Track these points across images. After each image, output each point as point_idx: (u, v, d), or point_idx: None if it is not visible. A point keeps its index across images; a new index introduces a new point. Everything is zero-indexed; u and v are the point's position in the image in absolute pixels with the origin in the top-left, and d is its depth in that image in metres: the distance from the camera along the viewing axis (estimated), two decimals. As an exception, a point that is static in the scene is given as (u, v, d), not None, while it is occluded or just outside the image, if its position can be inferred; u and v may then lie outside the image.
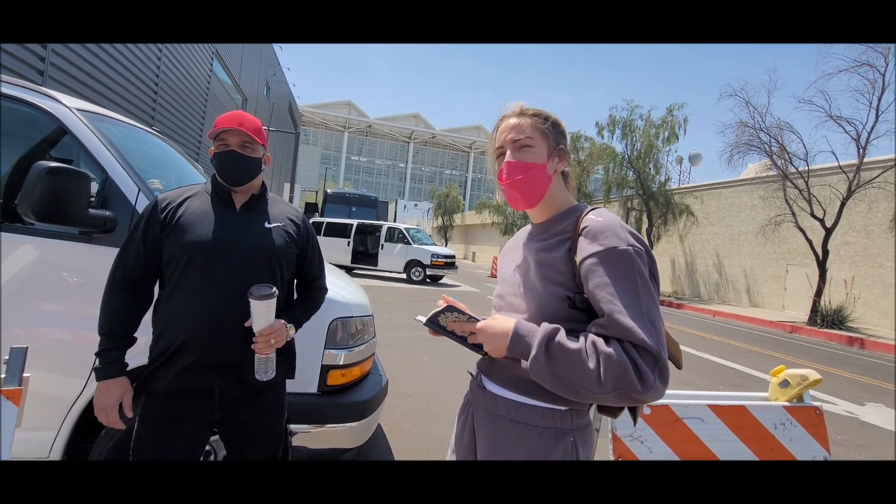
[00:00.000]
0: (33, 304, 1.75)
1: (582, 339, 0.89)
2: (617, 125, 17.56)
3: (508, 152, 1.06)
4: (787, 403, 1.73)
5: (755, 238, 14.48)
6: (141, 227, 1.34)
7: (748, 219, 15.69)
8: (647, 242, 0.97)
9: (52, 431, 1.73)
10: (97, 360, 1.31)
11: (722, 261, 16.80)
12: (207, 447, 1.82)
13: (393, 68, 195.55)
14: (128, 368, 1.35)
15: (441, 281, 15.74)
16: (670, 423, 1.63)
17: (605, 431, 1.62)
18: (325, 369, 1.99)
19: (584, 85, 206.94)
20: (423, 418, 3.54)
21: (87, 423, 1.73)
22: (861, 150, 10.80)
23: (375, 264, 14.91)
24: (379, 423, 2.78)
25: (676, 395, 1.71)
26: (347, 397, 2.04)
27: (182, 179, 2.57)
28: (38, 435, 1.72)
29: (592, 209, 1.03)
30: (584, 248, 0.94)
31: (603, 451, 1.61)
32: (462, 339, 1.06)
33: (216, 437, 1.56)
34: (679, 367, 1.16)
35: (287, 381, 1.54)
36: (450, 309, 1.03)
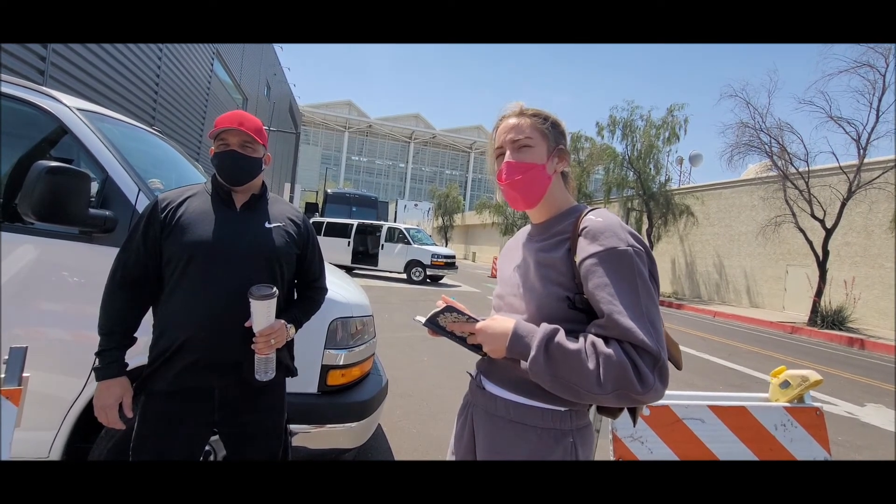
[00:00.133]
0: (33, 303, 1.75)
1: (581, 339, 0.89)
2: (617, 125, 17.56)
3: (508, 152, 1.06)
4: (787, 404, 1.73)
5: (755, 238, 14.48)
6: (141, 227, 1.34)
7: (748, 219, 15.69)
8: (646, 243, 0.97)
9: (52, 431, 1.73)
10: (97, 360, 1.31)
11: (722, 261, 16.79)
12: (207, 447, 1.82)
13: (393, 68, 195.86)
14: (128, 368, 1.35)
15: (441, 281, 15.74)
16: (671, 423, 1.62)
17: (605, 432, 1.62)
18: (325, 369, 1.98)
19: (584, 85, 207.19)
20: (423, 418, 3.53)
21: (86, 423, 1.73)
22: (861, 151, 10.80)
23: (376, 264, 14.91)
24: (379, 424, 2.78)
25: (677, 396, 1.71)
26: (347, 397, 2.04)
27: (182, 179, 2.57)
28: (38, 435, 1.72)
29: (592, 209, 1.02)
30: (584, 248, 0.94)
31: (603, 452, 1.61)
32: (461, 340, 1.05)
33: (216, 437, 1.56)
34: (679, 367, 1.16)
35: (287, 380, 1.54)
36: (449, 309, 1.03)
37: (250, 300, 1.26)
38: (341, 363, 2.03)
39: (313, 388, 1.96)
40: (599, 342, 0.86)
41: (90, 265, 1.75)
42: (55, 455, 1.74)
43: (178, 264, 1.31)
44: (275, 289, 1.29)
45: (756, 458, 1.64)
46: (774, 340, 9.37)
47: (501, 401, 1.03)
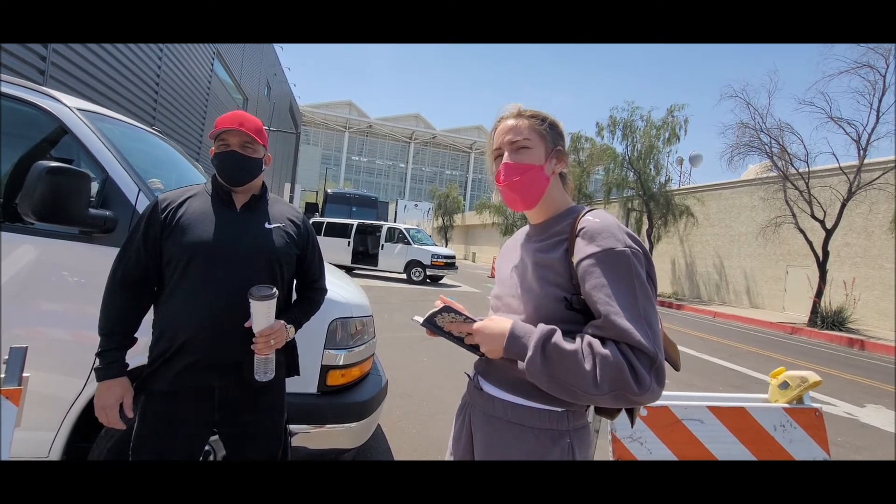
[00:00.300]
0: (33, 303, 1.75)
1: (578, 340, 0.89)
2: (617, 126, 17.56)
3: (506, 154, 1.06)
4: (786, 405, 1.73)
5: (755, 239, 14.48)
6: (141, 228, 1.34)
7: (748, 220, 15.69)
8: (644, 244, 0.97)
9: (52, 431, 1.73)
10: (97, 360, 1.31)
11: (722, 262, 16.79)
12: (207, 447, 1.82)
13: (393, 68, 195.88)
14: (128, 369, 1.35)
15: (441, 281, 15.74)
16: (670, 424, 1.63)
17: (604, 433, 1.62)
18: (325, 369, 1.99)
19: (584, 85, 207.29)
20: (422, 419, 3.53)
21: (86, 423, 1.73)
22: (861, 152, 10.80)
23: (375, 264, 14.91)
24: (379, 424, 2.78)
25: (676, 397, 1.71)
26: (347, 398, 2.04)
27: (182, 179, 2.57)
28: (38, 434, 1.72)
29: (590, 210, 1.02)
30: (582, 249, 0.94)
31: (603, 453, 1.61)
32: (459, 340, 1.05)
33: (216, 437, 1.56)
34: (677, 368, 1.16)
35: (287, 381, 1.54)
36: (447, 309, 1.03)
37: (250, 301, 1.26)
38: (341, 363, 2.03)
39: (313, 389, 1.96)
40: (596, 343, 0.86)
41: (90, 265, 1.75)
42: (55, 455, 1.74)
43: (179, 265, 1.31)
44: (275, 289, 1.29)
45: (755, 459, 1.64)
46: (774, 341, 9.37)
47: (499, 401, 1.03)
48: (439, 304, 1.04)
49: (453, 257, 15.23)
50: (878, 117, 10.49)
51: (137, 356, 1.42)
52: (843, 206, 11.19)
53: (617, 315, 0.86)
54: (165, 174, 2.41)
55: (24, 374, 1.09)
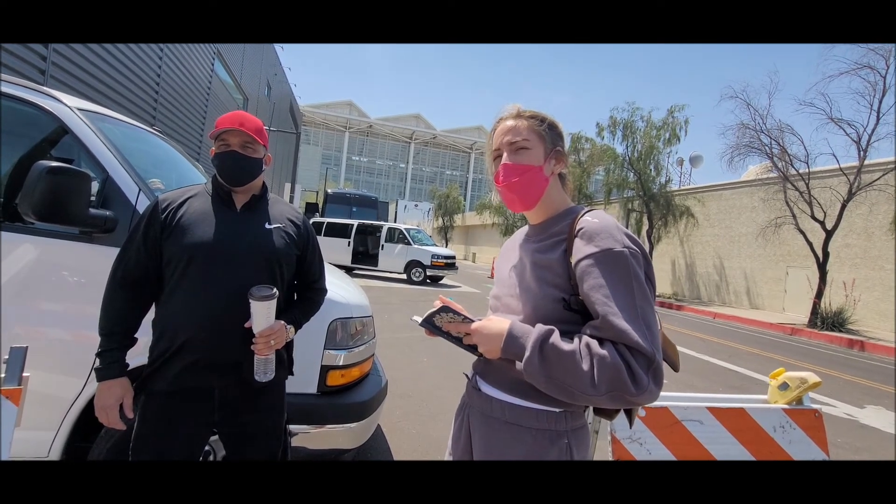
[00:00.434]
0: (33, 303, 1.75)
1: (576, 340, 0.89)
2: (618, 126, 17.57)
3: (505, 155, 1.06)
4: (786, 406, 1.73)
5: (755, 240, 14.48)
6: (141, 228, 1.34)
7: (748, 220, 15.69)
8: (643, 245, 0.97)
9: (52, 431, 1.74)
10: (98, 360, 1.31)
11: (722, 262, 16.79)
12: (207, 447, 1.82)
13: (394, 68, 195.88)
14: (128, 369, 1.35)
15: (441, 281, 15.74)
16: (669, 425, 1.63)
17: (604, 433, 1.62)
18: (325, 370, 1.99)
19: (584, 85, 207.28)
20: (422, 419, 3.54)
21: (86, 423, 1.73)
22: (862, 153, 10.81)
23: (376, 265, 14.91)
24: (378, 424, 2.78)
25: (675, 398, 1.71)
26: (347, 398, 2.04)
27: (183, 179, 2.57)
28: (38, 434, 1.72)
29: (588, 211, 1.03)
30: (580, 249, 0.94)
31: (602, 453, 1.61)
32: (457, 340, 1.05)
33: (216, 437, 1.56)
34: (676, 369, 1.16)
35: (287, 381, 1.54)
36: (445, 309, 1.03)
37: (250, 301, 1.26)
38: (341, 364, 2.03)
39: (313, 389, 1.96)
40: (594, 343, 0.86)
41: (90, 265, 1.75)
42: (55, 455, 1.74)
43: (179, 265, 1.31)
44: (275, 290, 1.29)
45: (754, 460, 1.64)
46: (774, 342, 9.37)
47: (497, 402, 1.03)
48: (438, 304, 1.04)
49: (453, 258, 15.23)
50: (878, 118, 10.51)
51: (137, 356, 1.42)
52: (844, 207, 11.19)
53: (615, 316, 0.86)
54: (166, 174, 2.41)
55: (25, 374, 1.09)
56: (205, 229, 1.33)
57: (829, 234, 11.47)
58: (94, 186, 1.74)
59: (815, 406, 1.74)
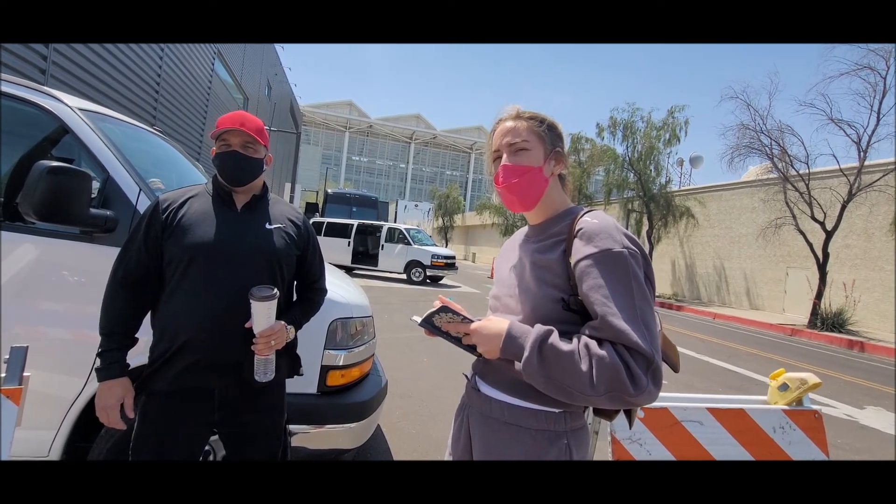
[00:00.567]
0: (34, 303, 1.75)
1: (575, 340, 0.89)
2: (618, 127, 17.57)
3: (505, 156, 1.06)
4: (786, 407, 1.73)
5: (755, 240, 14.48)
6: (142, 228, 1.34)
7: (749, 221, 15.69)
8: (642, 245, 0.97)
9: (52, 431, 1.74)
10: (98, 360, 1.31)
11: (722, 263, 16.79)
12: (207, 447, 1.82)
13: (394, 68, 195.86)
14: (128, 368, 1.35)
15: (441, 282, 15.74)
16: (669, 426, 1.63)
17: (603, 434, 1.62)
18: (325, 370, 1.99)
19: (584, 85, 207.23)
20: (422, 419, 3.54)
21: (86, 423, 1.73)
22: (862, 154, 10.80)
23: (376, 265, 14.91)
24: (378, 424, 2.78)
25: (675, 398, 1.71)
26: (347, 398, 2.04)
27: (183, 179, 2.57)
28: (38, 434, 1.72)
29: (588, 211, 1.03)
30: (579, 249, 0.95)
31: (602, 454, 1.61)
32: (456, 340, 1.05)
33: (216, 437, 1.56)
34: (676, 370, 1.16)
35: (287, 381, 1.54)
36: (444, 309, 1.03)
37: (251, 301, 1.26)
38: (341, 364, 2.03)
39: (313, 389, 1.96)
40: (593, 344, 0.86)
41: (91, 265, 1.75)
42: (55, 454, 1.75)
43: (180, 265, 1.31)
44: (275, 290, 1.29)
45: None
46: (774, 342, 9.36)
47: (496, 402, 1.03)
48: (437, 304, 1.04)
49: (453, 258, 15.23)
50: (878, 119, 10.51)
51: (138, 356, 1.42)
52: (844, 207, 11.19)
53: (614, 316, 0.86)
54: (166, 174, 2.41)
55: (25, 374, 1.09)
56: (205, 229, 1.33)
57: (829, 235, 11.47)
58: (95, 186, 1.74)
59: (815, 407, 1.74)
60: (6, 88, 1.82)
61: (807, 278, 13.09)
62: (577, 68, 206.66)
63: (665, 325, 1.04)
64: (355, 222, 15.15)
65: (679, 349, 1.18)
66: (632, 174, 17.53)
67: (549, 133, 1.07)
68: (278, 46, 24.54)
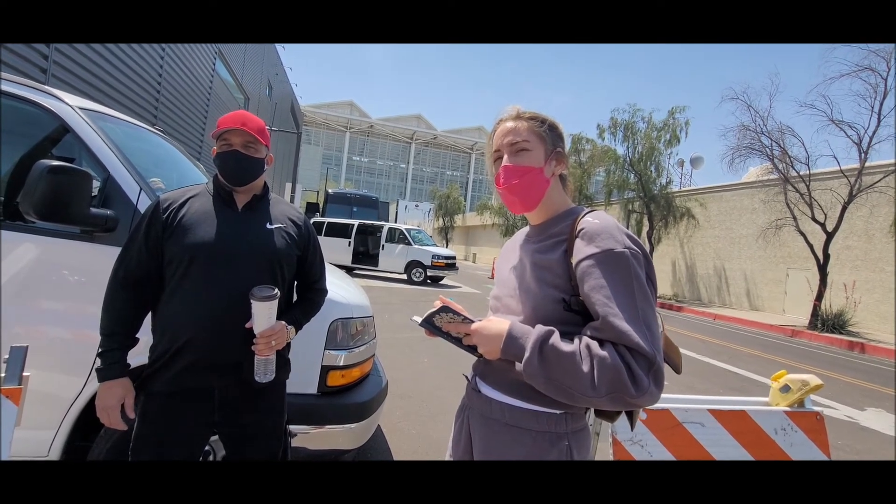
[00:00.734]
0: (34, 302, 1.75)
1: (576, 341, 0.89)
2: (618, 127, 17.57)
3: (505, 156, 1.06)
4: (787, 408, 1.73)
5: (756, 241, 14.47)
6: (143, 228, 1.34)
7: (749, 222, 15.68)
8: (644, 245, 0.96)
9: (52, 430, 1.73)
10: (99, 360, 1.31)
11: (723, 264, 16.79)
12: (207, 447, 1.82)
13: (395, 68, 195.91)
14: (129, 368, 1.35)
15: (442, 282, 15.74)
16: (671, 427, 1.62)
17: (605, 435, 1.62)
18: (325, 370, 1.98)
19: (585, 85, 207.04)
20: (422, 420, 3.53)
21: (86, 422, 1.73)
22: (863, 155, 10.79)
23: (376, 265, 14.91)
24: (379, 425, 2.78)
25: (676, 400, 1.71)
26: (347, 398, 2.04)
27: (184, 179, 2.57)
28: (38, 434, 1.72)
29: (589, 211, 1.02)
30: (581, 250, 0.94)
31: (603, 455, 1.61)
32: (457, 341, 1.05)
33: (216, 437, 1.56)
34: (678, 371, 1.16)
35: (287, 381, 1.54)
36: (445, 310, 1.03)
37: (252, 301, 1.26)
38: (341, 364, 2.03)
39: (313, 389, 1.96)
40: (594, 344, 0.86)
41: (91, 264, 1.75)
42: (55, 454, 1.74)
43: (180, 265, 1.31)
44: (276, 290, 1.29)
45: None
46: (775, 344, 9.36)
47: (496, 404, 1.03)
48: (438, 305, 1.04)
49: (454, 258, 15.23)
50: (879, 120, 10.50)
51: (138, 356, 1.42)
52: (844, 208, 11.18)
53: (615, 317, 0.85)
54: (167, 174, 2.41)
55: (25, 374, 1.09)
56: (206, 229, 1.33)
57: (829, 236, 11.47)
58: (96, 186, 1.74)
59: (816, 408, 1.74)
60: (7, 87, 1.82)
61: (807, 279, 13.09)
62: (578, 68, 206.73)
63: (665, 325, 1.04)
64: (356, 222, 15.15)
65: (680, 350, 1.18)
66: (632, 175, 17.53)
67: (549, 133, 1.07)
68: (279, 46, 24.57)
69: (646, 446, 1.60)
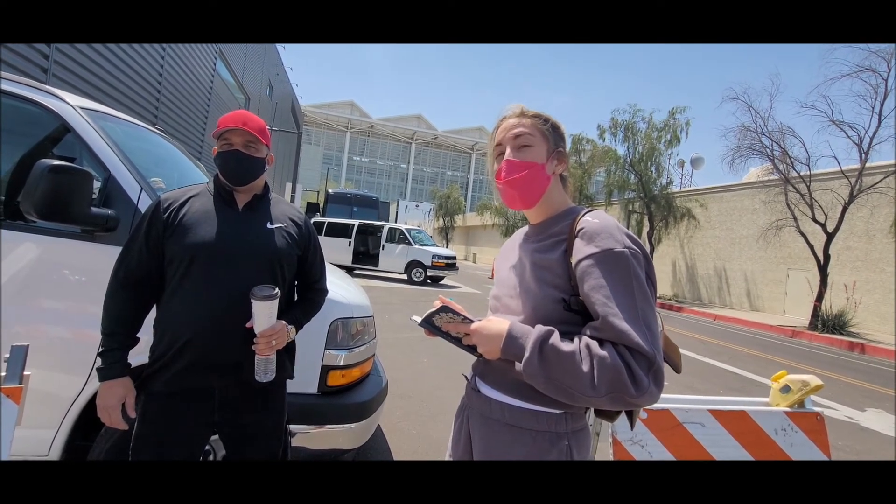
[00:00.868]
0: (34, 301, 1.75)
1: (576, 341, 0.89)
2: (619, 128, 17.58)
3: (508, 150, 1.05)
4: (788, 409, 1.72)
5: (756, 242, 14.47)
6: (143, 227, 1.34)
7: (749, 223, 15.68)
8: (644, 245, 0.96)
9: (52, 430, 1.73)
10: (100, 360, 1.31)
11: (723, 264, 16.78)
12: (207, 447, 1.82)
13: (395, 69, 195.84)
14: (129, 368, 1.35)
15: (442, 282, 15.74)
16: (671, 427, 1.62)
17: (605, 435, 1.62)
18: (326, 370, 1.98)
19: (585, 85, 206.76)
20: (422, 420, 3.53)
21: (86, 422, 1.73)
22: (863, 155, 10.79)
23: (376, 265, 14.92)
24: (379, 425, 2.78)
25: (677, 400, 1.70)
26: (347, 398, 2.04)
27: (184, 178, 2.57)
28: (38, 433, 1.72)
29: (589, 211, 1.02)
30: (580, 249, 0.94)
31: (603, 455, 1.61)
32: (457, 341, 1.05)
33: (215, 436, 1.56)
34: (677, 370, 1.15)
35: (287, 381, 1.54)
36: (445, 309, 1.02)
37: (252, 301, 1.26)
38: (341, 364, 2.03)
39: (313, 389, 1.96)
40: (594, 344, 0.86)
41: (92, 264, 1.75)
42: (55, 453, 1.74)
43: (181, 265, 1.31)
44: (277, 290, 1.29)
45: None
46: (775, 344, 9.35)
47: (496, 403, 1.03)
48: (438, 304, 1.04)
49: (454, 258, 15.23)
50: (879, 121, 10.50)
51: (139, 355, 1.42)
52: (845, 209, 11.18)
53: (615, 316, 0.85)
54: (167, 173, 2.41)
55: (25, 373, 1.09)
56: (207, 229, 1.33)
57: (830, 237, 11.46)
58: (96, 185, 1.74)
59: (816, 409, 1.74)
60: (8, 87, 1.82)
61: (807, 280, 13.08)
62: (578, 68, 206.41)
63: (666, 326, 1.04)
64: (356, 222, 15.15)
65: (680, 350, 1.18)
66: (633, 175, 17.53)
67: (552, 133, 1.07)
68: (280, 46, 24.58)
69: (646, 446, 1.60)
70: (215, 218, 1.36)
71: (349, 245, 14.75)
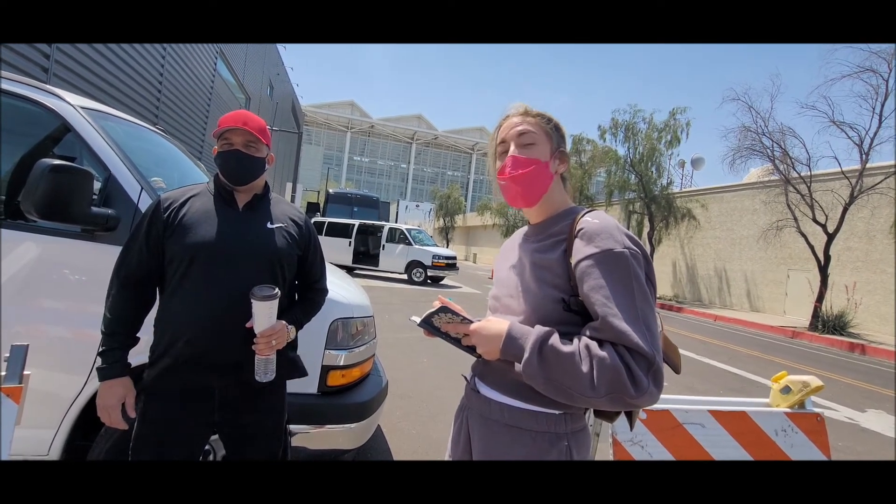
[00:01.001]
0: (34, 301, 1.75)
1: (576, 341, 0.88)
2: (619, 128, 17.57)
3: (512, 146, 1.06)
4: (788, 410, 1.72)
5: (757, 242, 14.46)
6: (144, 227, 1.34)
7: (750, 223, 15.67)
8: (643, 246, 0.96)
9: (52, 429, 1.74)
10: (100, 359, 1.31)
11: (723, 265, 16.77)
12: (207, 447, 1.82)
13: (395, 69, 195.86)
14: (129, 368, 1.35)
15: (442, 282, 15.74)
16: (671, 428, 1.62)
17: (605, 436, 1.62)
18: (326, 370, 1.98)
19: (585, 86, 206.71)
20: (422, 420, 3.53)
21: (86, 422, 1.73)
22: (864, 156, 10.78)
23: (377, 265, 14.92)
24: (378, 425, 2.77)
25: (677, 401, 1.70)
26: (347, 398, 2.04)
27: (185, 178, 2.57)
28: (38, 433, 1.72)
29: (589, 211, 1.02)
30: (580, 249, 0.94)
31: (603, 456, 1.61)
32: (456, 341, 1.05)
33: (216, 436, 1.56)
34: (677, 371, 1.15)
35: (287, 381, 1.54)
36: (444, 310, 1.02)
37: (252, 301, 1.26)
38: (341, 364, 2.03)
39: (313, 389, 1.96)
40: (594, 345, 0.86)
41: (92, 263, 1.75)
42: (55, 453, 1.74)
43: (181, 265, 1.31)
44: (277, 290, 1.29)
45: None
46: (775, 345, 9.35)
47: (496, 404, 1.02)
48: (437, 305, 1.03)
49: (454, 258, 15.23)
50: (880, 121, 10.49)
51: (139, 355, 1.42)
52: (845, 210, 11.17)
53: (615, 317, 0.85)
54: (168, 173, 2.41)
55: (25, 372, 1.09)
56: (207, 229, 1.33)
57: (830, 238, 11.45)
58: (97, 185, 1.74)
59: (816, 410, 1.73)
60: (8, 86, 1.82)
61: (808, 281, 13.07)
62: (578, 68, 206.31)
63: (666, 326, 1.04)
64: (356, 222, 15.15)
65: (680, 351, 1.18)
66: (633, 175, 17.52)
67: (555, 132, 1.07)
68: (280, 46, 24.60)
69: (646, 447, 1.60)
70: (215, 218, 1.36)
71: (349, 245, 14.75)
